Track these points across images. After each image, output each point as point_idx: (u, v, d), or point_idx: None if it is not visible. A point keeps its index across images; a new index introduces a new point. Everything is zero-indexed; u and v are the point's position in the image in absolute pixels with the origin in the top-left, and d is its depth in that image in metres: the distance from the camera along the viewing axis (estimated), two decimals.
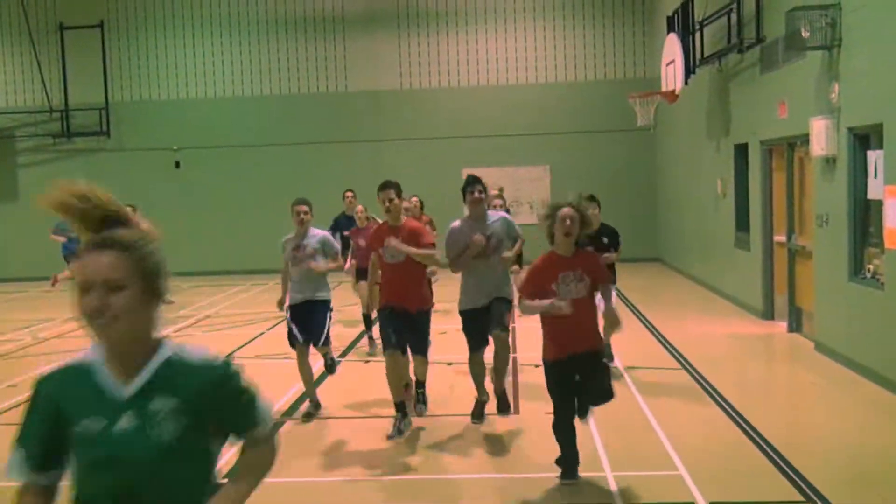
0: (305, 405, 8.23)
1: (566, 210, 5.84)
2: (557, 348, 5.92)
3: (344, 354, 10.99)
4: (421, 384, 7.93)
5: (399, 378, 7.39)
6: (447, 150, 21.13)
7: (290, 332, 8.08)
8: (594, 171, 21.03)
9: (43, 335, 13.41)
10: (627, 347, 10.74)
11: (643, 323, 12.56)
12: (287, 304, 8.15)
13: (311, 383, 8.28)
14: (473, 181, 7.38)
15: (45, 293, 18.19)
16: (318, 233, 8.17)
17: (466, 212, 7.57)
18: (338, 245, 8.52)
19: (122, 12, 21.64)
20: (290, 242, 8.12)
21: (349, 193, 12.83)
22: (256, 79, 21.61)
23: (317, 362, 8.57)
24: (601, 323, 6.26)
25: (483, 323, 7.29)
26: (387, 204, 7.44)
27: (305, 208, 8.10)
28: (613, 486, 5.97)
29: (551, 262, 5.91)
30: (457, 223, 7.41)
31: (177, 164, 21.63)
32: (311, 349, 8.04)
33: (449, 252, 7.34)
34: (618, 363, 9.81)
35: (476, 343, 7.44)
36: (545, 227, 5.94)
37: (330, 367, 8.53)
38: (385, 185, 7.48)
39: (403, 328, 7.36)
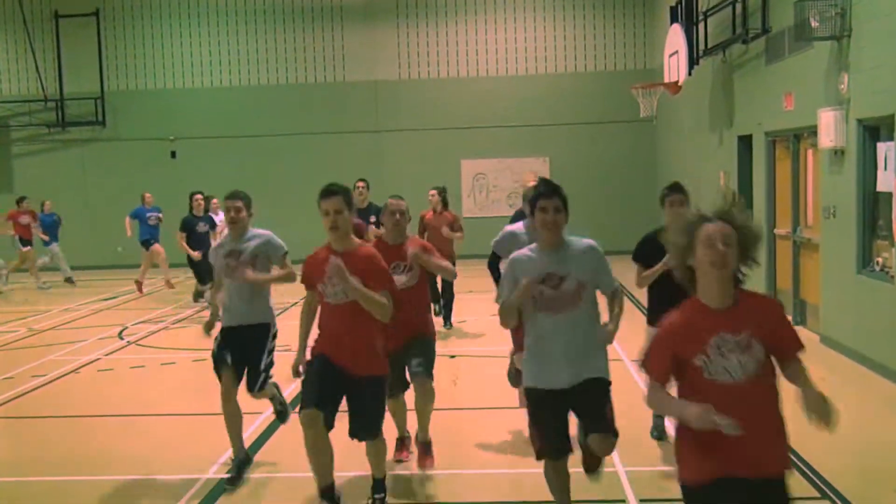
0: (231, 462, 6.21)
1: (714, 227, 3.33)
2: (706, 463, 3.39)
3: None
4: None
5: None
6: (446, 141, 21.00)
7: (216, 356, 6.12)
8: (594, 162, 20.95)
9: (38, 327, 13.26)
10: (632, 341, 10.63)
11: (645, 315, 12.43)
12: (217, 328, 6.30)
13: (237, 435, 6.14)
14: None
15: (38, 286, 18.04)
16: (259, 234, 6.20)
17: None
18: (286, 246, 6.30)
19: (117, 0, 21.42)
20: (222, 249, 6.21)
21: (360, 184, 11.30)
22: (254, 69, 21.43)
23: (268, 408, 6.84)
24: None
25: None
26: (329, 217, 5.02)
27: (239, 204, 6.11)
28: (625, 482, 5.87)
29: (695, 318, 3.39)
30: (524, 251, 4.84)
31: (173, 154, 21.45)
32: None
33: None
34: (623, 358, 9.72)
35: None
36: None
37: (280, 415, 6.61)
38: (328, 192, 5.02)
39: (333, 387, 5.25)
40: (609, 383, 4.98)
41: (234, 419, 6.09)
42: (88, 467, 6.61)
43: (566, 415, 4.88)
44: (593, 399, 4.86)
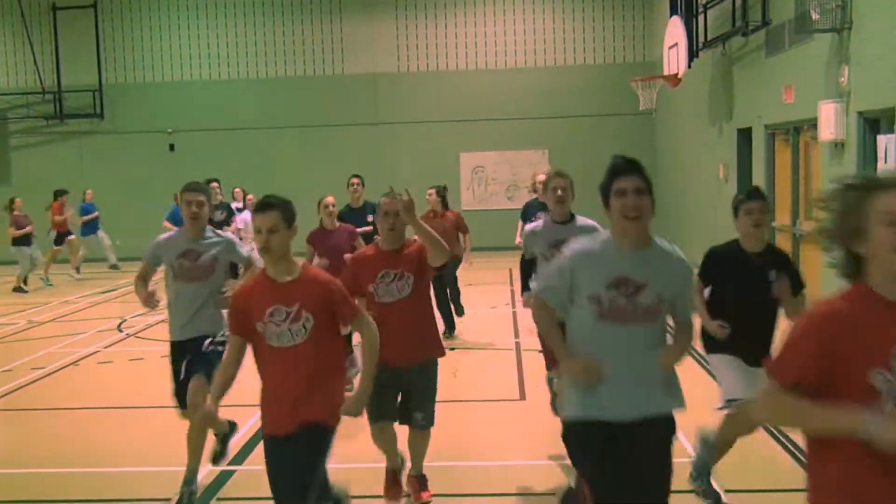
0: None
1: None
2: None
3: None
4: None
5: None
6: (445, 134, 20.96)
7: (176, 381, 5.44)
8: (592, 155, 20.77)
9: (37, 319, 13.24)
10: None
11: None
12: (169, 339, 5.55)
13: (197, 453, 5.47)
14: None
15: (38, 276, 17.99)
16: (220, 235, 5.63)
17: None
18: (250, 252, 5.66)
19: None
20: (172, 245, 5.46)
21: (355, 180, 10.12)
22: (252, 61, 21.37)
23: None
24: None
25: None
26: (261, 237, 3.99)
27: (201, 198, 5.43)
28: None
29: (871, 315, 2.47)
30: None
31: (171, 147, 21.41)
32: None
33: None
34: None
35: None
36: (834, 228, 2.58)
37: (217, 454, 5.65)
38: (262, 206, 3.99)
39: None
40: (675, 426, 3.78)
41: (196, 442, 5.40)
42: (87, 459, 6.61)
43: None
44: (655, 446, 3.65)
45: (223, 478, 6.01)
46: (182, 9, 21.35)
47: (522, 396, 8.02)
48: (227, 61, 21.42)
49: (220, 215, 14.21)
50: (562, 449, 6.37)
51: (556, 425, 7.01)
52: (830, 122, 9.44)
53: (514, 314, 12.40)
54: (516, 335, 10.82)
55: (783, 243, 11.89)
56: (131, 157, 21.11)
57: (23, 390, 8.77)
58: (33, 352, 10.70)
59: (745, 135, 13.34)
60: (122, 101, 21.46)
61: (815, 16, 9.39)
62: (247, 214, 14.46)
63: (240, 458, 6.46)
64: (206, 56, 21.46)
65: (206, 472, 6.11)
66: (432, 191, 10.85)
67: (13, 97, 21.56)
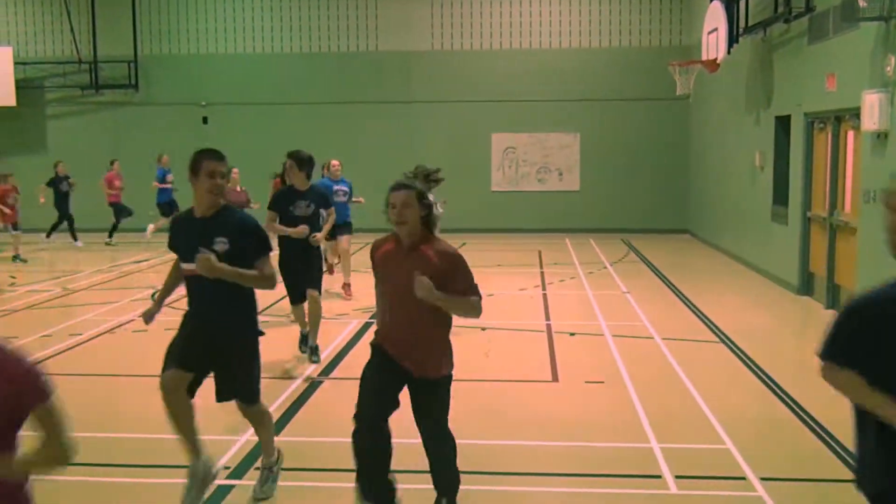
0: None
1: None
2: None
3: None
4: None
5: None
6: (477, 114, 20.90)
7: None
8: (624, 139, 20.80)
9: (72, 286, 13.41)
10: (663, 318, 10.63)
11: (677, 295, 12.42)
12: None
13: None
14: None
15: (68, 245, 18.22)
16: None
17: None
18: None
19: None
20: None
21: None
22: (286, 36, 21.39)
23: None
24: None
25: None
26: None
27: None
28: (661, 458, 5.87)
29: None
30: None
31: (204, 120, 21.52)
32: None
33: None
34: (654, 335, 9.70)
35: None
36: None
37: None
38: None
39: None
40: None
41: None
42: (124, 425, 6.71)
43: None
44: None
45: (257, 450, 6.08)
46: None
47: (555, 378, 8.03)
48: (261, 35, 21.46)
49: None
50: (593, 431, 6.44)
51: (587, 407, 7.06)
52: (874, 112, 9.30)
53: (545, 296, 12.40)
54: (547, 317, 10.82)
55: (819, 234, 11.79)
56: (164, 128, 21.24)
57: (61, 356, 8.91)
58: (70, 318, 10.85)
59: (783, 122, 13.19)
60: (157, 73, 21.59)
61: (862, 3, 9.24)
62: None
63: (276, 429, 6.52)
64: (240, 30, 21.50)
65: (243, 443, 6.19)
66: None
67: (50, 66, 21.73)
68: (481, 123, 20.93)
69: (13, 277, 14.22)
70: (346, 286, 12.01)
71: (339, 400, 7.29)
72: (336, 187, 11.98)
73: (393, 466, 4.69)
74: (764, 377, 7.95)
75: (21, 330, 10.08)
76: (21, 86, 21.28)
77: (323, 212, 8.42)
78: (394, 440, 4.60)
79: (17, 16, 21.89)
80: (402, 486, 4.84)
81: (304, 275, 8.27)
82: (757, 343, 9.35)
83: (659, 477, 5.56)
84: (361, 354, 8.77)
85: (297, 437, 6.37)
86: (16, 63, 21.14)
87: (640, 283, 13.44)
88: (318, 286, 8.34)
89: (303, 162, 8.33)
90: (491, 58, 20.95)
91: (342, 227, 11.67)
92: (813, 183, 12.10)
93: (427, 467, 4.81)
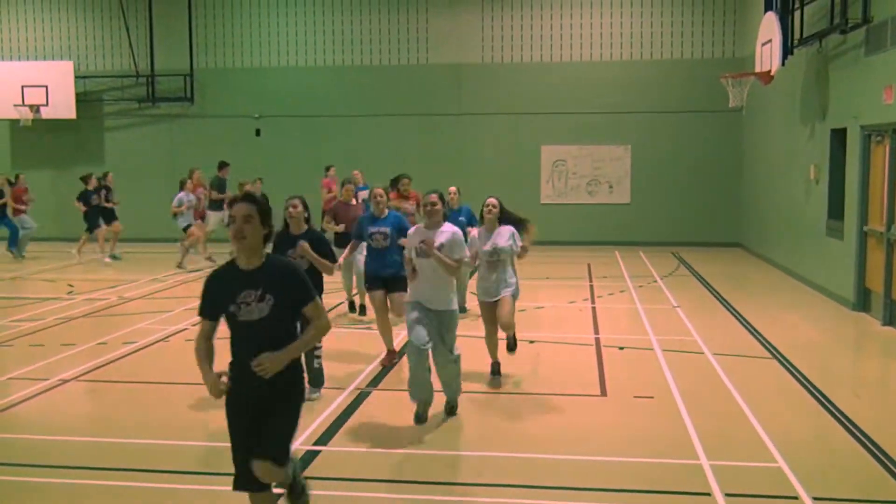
0: None
1: None
2: None
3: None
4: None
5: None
6: (526, 126, 20.89)
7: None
8: (676, 152, 20.62)
9: (128, 295, 13.69)
10: (714, 333, 10.50)
11: (728, 309, 12.24)
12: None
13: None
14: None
15: (127, 253, 18.60)
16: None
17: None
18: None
19: None
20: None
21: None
22: (339, 49, 21.63)
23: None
24: None
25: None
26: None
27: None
28: (710, 475, 5.79)
29: None
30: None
31: (257, 132, 21.84)
32: None
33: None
34: (705, 350, 9.58)
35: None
36: None
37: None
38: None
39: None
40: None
41: None
42: (178, 432, 6.82)
43: None
44: None
45: (308, 458, 6.15)
46: None
47: (603, 392, 7.98)
48: (313, 49, 21.73)
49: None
50: (641, 447, 6.38)
51: (636, 422, 7.00)
52: None
53: (594, 309, 12.33)
54: (596, 331, 10.76)
55: (876, 249, 11.55)
56: (219, 140, 21.61)
57: (116, 363, 9.10)
58: (125, 327, 11.08)
59: (839, 135, 12.96)
60: (212, 86, 21.98)
61: None
62: None
63: (325, 438, 6.59)
64: (293, 43, 21.81)
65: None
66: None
67: (109, 80, 22.27)
68: (531, 135, 20.91)
69: (71, 286, 14.56)
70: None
71: (386, 411, 7.34)
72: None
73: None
74: (818, 395, 7.80)
75: (77, 337, 10.33)
76: (81, 99, 21.84)
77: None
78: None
79: (79, 31, 22.48)
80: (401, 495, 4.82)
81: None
82: (811, 360, 9.18)
83: (709, 495, 5.49)
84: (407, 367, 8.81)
85: (343, 448, 6.42)
86: (76, 77, 21.71)
87: (691, 297, 13.29)
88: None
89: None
90: (541, 70, 20.93)
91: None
92: (870, 197, 11.85)
93: None
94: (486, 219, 8.14)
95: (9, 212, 18.43)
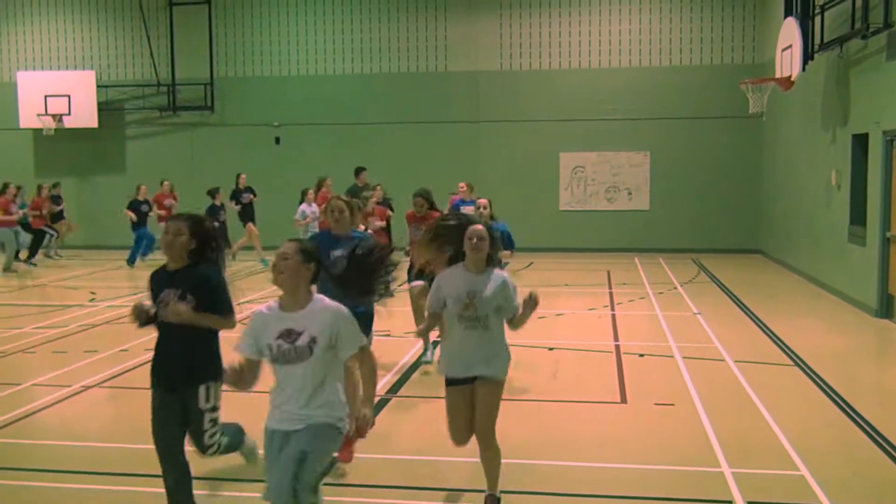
0: None
1: None
2: None
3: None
4: None
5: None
6: (545, 133, 20.88)
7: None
8: (696, 158, 20.54)
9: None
10: (735, 340, 10.43)
11: (749, 316, 12.17)
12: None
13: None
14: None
15: (153, 261, 18.74)
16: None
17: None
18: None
19: None
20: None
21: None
22: (357, 57, 21.73)
23: None
24: None
25: None
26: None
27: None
28: (732, 483, 5.75)
29: None
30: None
31: (277, 140, 21.96)
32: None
33: None
34: (726, 357, 9.52)
35: None
36: None
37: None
38: None
39: None
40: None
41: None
42: None
43: None
44: None
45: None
46: (291, 5, 21.86)
47: (623, 399, 7.95)
48: (332, 57, 21.84)
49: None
50: (662, 454, 6.35)
51: (657, 430, 6.96)
52: None
53: (613, 316, 12.29)
54: (616, 338, 10.72)
55: None
56: (239, 149, 21.76)
57: (138, 370, 9.15)
58: (146, 333, 11.12)
59: (860, 141, 12.87)
60: (232, 95, 22.14)
61: None
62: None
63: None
64: (312, 52, 21.93)
65: None
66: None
67: (130, 89, 22.47)
68: (549, 142, 20.89)
69: (93, 294, 14.68)
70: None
71: (404, 419, 7.34)
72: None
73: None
74: (841, 402, 7.73)
75: (100, 344, 10.40)
76: (103, 108, 22.06)
77: None
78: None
79: (100, 41, 22.70)
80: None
81: None
82: (833, 367, 9.11)
83: (730, 502, 5.45)
84: (428, 373, 8.82)
85: (362, 455, 6.43)
86: (98, 86, 21.94)
87: (712, 303, 13.21)
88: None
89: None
90: (559, 77, 20.93)
91: None
92: (892, 202, 11.75)
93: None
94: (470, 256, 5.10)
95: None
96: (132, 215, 18.56)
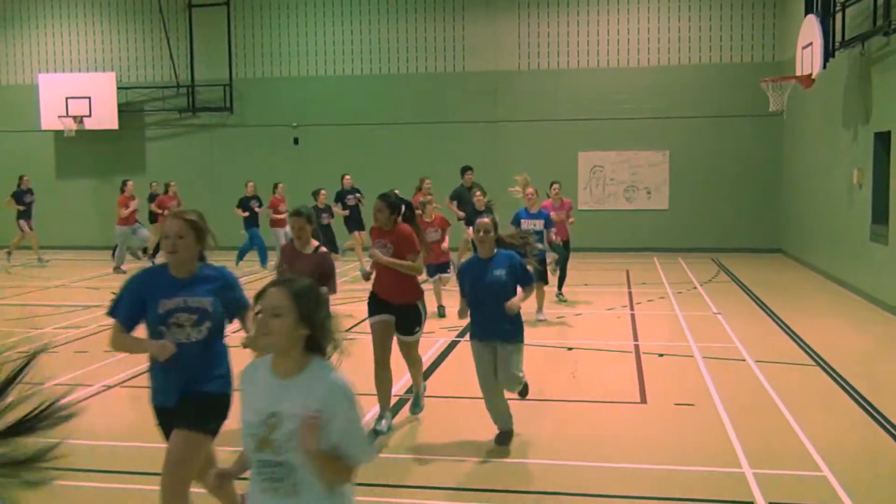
0: None
1: None
2: None
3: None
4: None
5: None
6: (563, 133, 20.83)
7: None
8: (716, 157, 20.42)
9: None
10: (756, 340, 10.37)
11: (770, 316, 12.09)
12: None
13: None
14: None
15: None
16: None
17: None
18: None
19: None
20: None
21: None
22: (376, 58, 21.76)
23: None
24: None
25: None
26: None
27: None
28: (753, 484, 5.71)
29: None
30: None
31: (295, 141, 22.02)
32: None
33: None
34: (747, 357, 9.46)
35: None
36: None
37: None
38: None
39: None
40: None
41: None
42: (220, 438, 6.87)
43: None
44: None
45: None
46: (310, 6, 21.92)
47: (643, 399, 7.91)
48: (350, 58, 21.88)
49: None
50: (683, 454, 6.31)
51: (677, 430, 6.93)
52: None
53: (633, 316, 12.23)
54: (635, 338, 10.67)
55: None
56: (257, 149, 21.85)
57: None
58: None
59: (882, 139, 12.75)
60: (250, 96, 22.23)
61: None
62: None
63: None
64: (331, 52, 21.98)
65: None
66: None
67: (150, 90, 22.62)
68: (568, 142, 20.84)
69: (114, 294, 14.76)
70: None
71: (428, 418, 7.34)
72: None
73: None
74: (864, 403, 7.67)
75: None
76: (123, 109, 22.20)
77: None
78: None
79: (121, 43, 22.86)
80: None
81: None
82: (856, 367, 9.03)
83: (752, 503, 5.42)
84: (447, 373, 8.82)
85: (388, 455, 6.43)
86: (119, 88, 22.09)
87: (732, 303, 13.13)
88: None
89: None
90: (577, 76, 20.87)
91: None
92: None
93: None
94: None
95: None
96: (243, 213, 18.44)
